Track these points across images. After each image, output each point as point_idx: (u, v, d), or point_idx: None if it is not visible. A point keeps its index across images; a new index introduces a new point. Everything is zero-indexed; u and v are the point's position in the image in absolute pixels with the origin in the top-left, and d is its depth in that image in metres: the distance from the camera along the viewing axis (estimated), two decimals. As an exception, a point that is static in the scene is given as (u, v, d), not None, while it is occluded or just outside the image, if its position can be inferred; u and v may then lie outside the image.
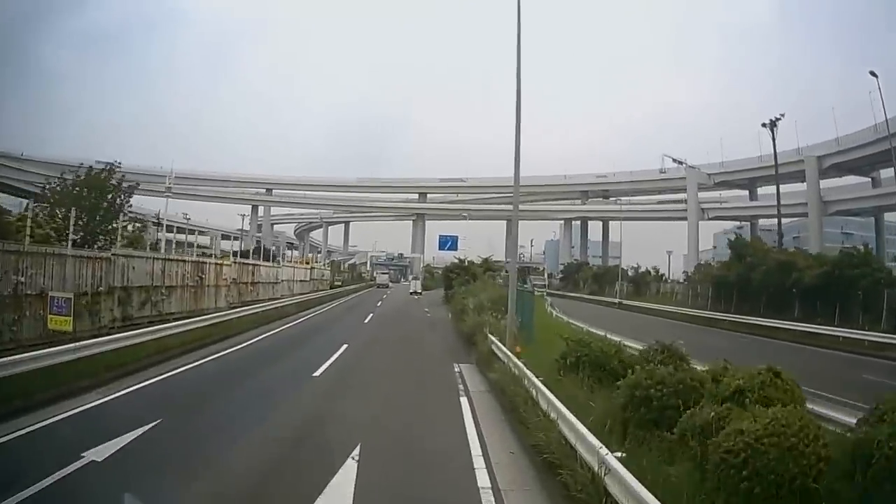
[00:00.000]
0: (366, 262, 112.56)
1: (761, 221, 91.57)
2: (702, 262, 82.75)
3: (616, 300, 53.67)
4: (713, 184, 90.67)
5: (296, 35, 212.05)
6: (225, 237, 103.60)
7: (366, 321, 30.12)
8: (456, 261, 43.26)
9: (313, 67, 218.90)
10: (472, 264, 41.08)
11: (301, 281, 43.39)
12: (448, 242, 60.83)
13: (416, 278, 79.53)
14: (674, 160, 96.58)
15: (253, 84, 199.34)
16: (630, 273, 62.76)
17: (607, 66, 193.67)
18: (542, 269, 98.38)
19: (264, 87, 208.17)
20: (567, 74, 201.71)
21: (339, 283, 60.34)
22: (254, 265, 31.55)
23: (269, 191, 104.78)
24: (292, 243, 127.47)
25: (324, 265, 66.09)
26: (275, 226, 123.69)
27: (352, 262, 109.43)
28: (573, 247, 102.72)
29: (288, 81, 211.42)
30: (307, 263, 57.64)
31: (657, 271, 62.92)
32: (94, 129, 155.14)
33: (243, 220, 78.53)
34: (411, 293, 65.01)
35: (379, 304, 45.72)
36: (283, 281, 36.61)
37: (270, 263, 36.81)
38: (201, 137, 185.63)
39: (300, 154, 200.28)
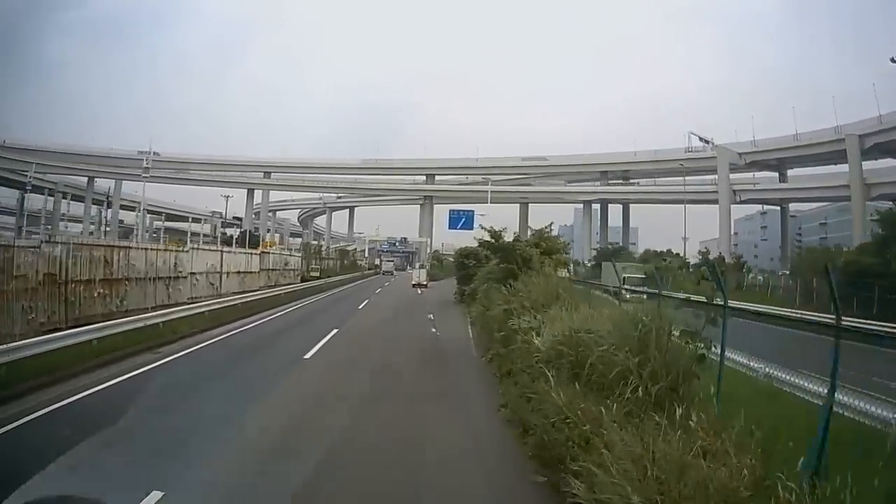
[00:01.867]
0: (364, 249, 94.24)
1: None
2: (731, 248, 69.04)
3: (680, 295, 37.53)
4: (744, 164, 77.05)
5: (302, 19, 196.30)
6: (228, 225, 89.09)
7: (308, 355, 13.91)
8: (479, 239, 22.57)
9: (319, 53, 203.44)
10: (518, 242, 19.99)
11: (242, 273, 27.34)
12: (461, 219, 43.31)
13: (422, 266, 63.64)
14: (700, 139, 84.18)
15: (257, 70, 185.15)
16: (696, 260, 45.54)
17: (625, 42, 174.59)
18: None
19: (269, 73, 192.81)
20: (584, 50, 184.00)
21: (317, 275, 43.06)
22: (109, 248, 15.91)
23: (267, 174, 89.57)
24: (297, 231, 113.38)
25: (288, 250, 47.64)
26: (278, 212, 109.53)
27: (351, 246, 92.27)
28: (596, 233, 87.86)
29: (293, 66, 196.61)
30: (268, 247, 42.03)
31: (738, 258, 46.66)
32: (94, 117, 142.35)
33: (227, 202, 63.33)
34: (413, 285, 47.72)
35: (362, 305, 29.37)
36: (191, 275, 21.09)
37: (161, 246, 21.17)
38: (205, 124, 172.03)
39: (304, 140, 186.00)
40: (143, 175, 66.31)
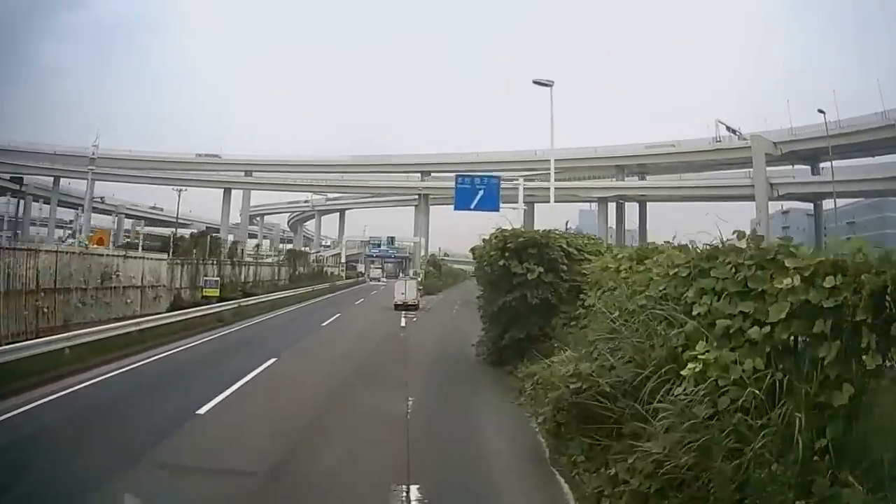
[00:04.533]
0: (339, 252, 76.16)
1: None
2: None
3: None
4: (780, 154, 63.64)
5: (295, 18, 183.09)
6: (213, 228, 75.40)
7: None
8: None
9: (313, 52, 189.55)
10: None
11: None
12: (478, 192, 21.24)
13: (415, 274, 48.80)
14: (728, 128, 71.59)
15: (246, 71, 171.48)
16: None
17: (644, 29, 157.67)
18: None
19: (259, 74, 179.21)
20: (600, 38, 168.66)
21: (215, 293, 24.48)
22: None
23: (248, 173, 75.75)
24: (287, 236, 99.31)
25: (122, 249, 29.11)
26: (266, 217, 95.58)
27: (327, 251, 76.63)
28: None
29: (289, 66, 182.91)
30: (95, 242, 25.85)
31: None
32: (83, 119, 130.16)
33: (179, 195, 49.17)
34: (397, 305, 29.05)
35: (206, 408, 8.87)
36: None
37: None
38: (188, 125, 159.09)
39: (295, 143, 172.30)
40: (89, 169, 53.36)
